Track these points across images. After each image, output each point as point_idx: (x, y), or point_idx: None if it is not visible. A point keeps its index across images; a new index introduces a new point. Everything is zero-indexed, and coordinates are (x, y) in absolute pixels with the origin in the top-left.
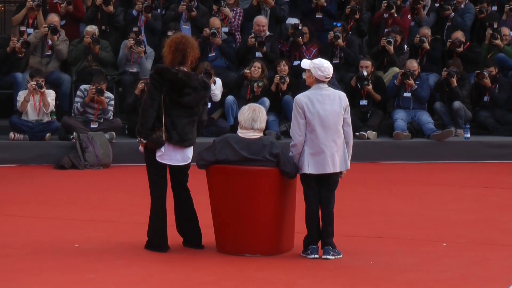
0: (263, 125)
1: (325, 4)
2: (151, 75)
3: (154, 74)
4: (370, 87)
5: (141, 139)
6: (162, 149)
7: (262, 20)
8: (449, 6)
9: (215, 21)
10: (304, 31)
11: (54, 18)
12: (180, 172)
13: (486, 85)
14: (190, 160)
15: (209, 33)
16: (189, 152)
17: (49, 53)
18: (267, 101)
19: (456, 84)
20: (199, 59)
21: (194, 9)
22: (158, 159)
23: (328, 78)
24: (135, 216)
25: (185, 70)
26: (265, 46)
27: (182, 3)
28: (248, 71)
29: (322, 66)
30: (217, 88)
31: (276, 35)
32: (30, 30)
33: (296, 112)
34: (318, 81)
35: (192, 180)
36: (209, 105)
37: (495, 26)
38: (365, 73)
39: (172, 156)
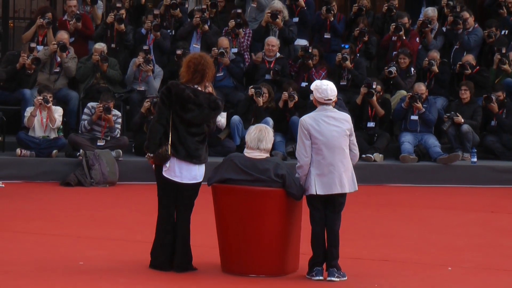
0: (269, 145)
1: (332, 18)
2: (161, 91)
3: (164, 90)
4: (374, 98)
5: (149, 154)
6: (167, 164)
7: (273, 40)
8: (460, 21)
9: (224, 41)
10: (314, 53)
11: (63, 35)
12: (186, 191)
13: (493, 110)
14: (199, 180)
15: (217, 53)
16: (198, 170)
17: (57, 70)
18: (270, 120)
19: (462, 121)
20: None
21: (208, 21)
22: (164, 174)
23: (328, 100)
24: (140, 234)
25: (197, 88)
26: (279, 76)
27: (196, 16)
28: (254, 95)
29: (321, 88)
30: (222, 115)
31: (286, 58)
32: (40, 48)
33: (301, 134)
34: (321, 102)
35: (198, 198)
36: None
37: (504, 51)
38: (374, 86)
39: (179, 172)
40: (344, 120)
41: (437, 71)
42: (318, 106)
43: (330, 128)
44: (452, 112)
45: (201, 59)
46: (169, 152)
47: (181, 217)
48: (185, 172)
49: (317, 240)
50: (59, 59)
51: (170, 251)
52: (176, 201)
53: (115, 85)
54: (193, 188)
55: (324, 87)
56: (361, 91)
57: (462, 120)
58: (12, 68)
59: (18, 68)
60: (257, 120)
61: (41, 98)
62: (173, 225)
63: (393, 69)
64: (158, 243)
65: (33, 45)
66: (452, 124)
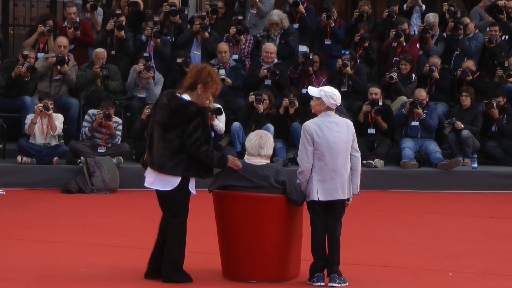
0: (270, 151)
1: (333, 25)
2: None
3: None
4: (379, 116)
5: None
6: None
7: (271, 47)
8: (461, 26)
9: (223, 45)
10: (314, 59)
11: (63, 40)
12: (160, 199)
13: (494, 115)
14: (160, 188)
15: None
16: (161, 178)
17: (58, 77)
18: (271, 127)
19: (462, 127)
20: None
21: (208, 28)
22: (144, 174)
23: (336, 105)
24: (141, 241)
25: (181, 96)
26: (277, 76)
27: (196, 24)
28: (254, 101)
29: (334, 95)
30: (220, 120)
31: (284, 63)
32: (40, 55)
33: (304, 139)
34: (328, 108)
35: (199, 205)
36: (212, 133)
37: (506, 63)
38: (380, 103)
39: (148, 177)
40: (346, 126)
41: (438, 77)
42: (322, 112)
43: (333, 134)
44: (453, 118)
45: (201, 68)
46: (144, 158)
47: (167, 228)
48: (150, 178)
49: (318, 246)
50: (59, 67)
51: (151, 259)
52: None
53: (115, 92)
54: (163, 196)
55: (337, 94)
56: (363, 109)
57: (462, 126)
58: (9, 77)
59: (13, 77)
60: (258, 127)
61: (42, 105)
62: (161, 236)
63: (394, 74)
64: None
65: (26, 52)
66: (453, 130)
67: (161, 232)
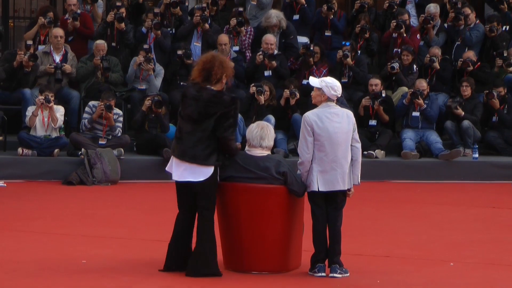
0: (271, 143)
1: (332, 16)
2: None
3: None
4: (381, 108)
5: None
6: (170, 161)
7: (271, 38)
8: (462, 17)
9: (223, 37)
10: (315, 50)
11: (58, 31)
12: (188, 192)
13: (495, 106)
14: (192, 179)
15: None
16: (193, 170)
17: (60, 77)
18: (272, 118)
19: (462, 114)
20: None
21: (208, 19)
22: (166, 168)
23: (337, 96)
24: (142, 233)
25: (208, 87)
26: (275, 59)
27: (196, 15)
28: (255, 93)
29: (335, 85)
30: None
31: (284, 54)
32: (42, 47)
33: (304, 130)
34: (328, 99)
35: None
36: None
37: (505, 54)
38: (383, 95)
39: (176, 170)
40: (347, 117)
41: (438, 67)
42: (322, 103)
43: (333, 125)
44: (457, 96)
45: (211, 57)
46: (171, 149)
47: (198, 220)
48: (179, 171)
49: (319, 237)
50: (57, 59)
51: (172, 253)
52: (188, 202)
53: (116, 84)
54: (196, 188)
55: (338, 85)
56: (362, 103)
57: (462, 113)
58: (10, 66)
59: (15, 65)
60: (259, 118)
61: (43, 97)
62: (184, 228)
63: (395, 65)
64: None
65: (29, 42)
66: (459, 103)
67: (179, 225)
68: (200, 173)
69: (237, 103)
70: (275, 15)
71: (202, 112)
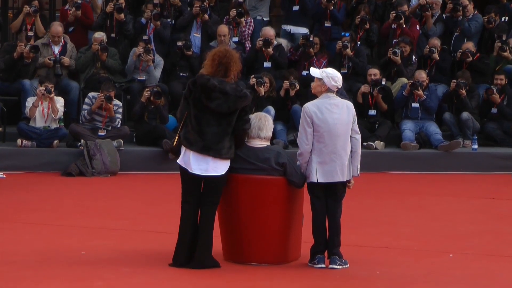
0: (270, 133)
1: (332, 7)
2: (188, 84)
3: (190, 83)
4: (380, 96)
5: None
6: (183, 154)
7: (269, 31)
8: (460, 8)
9: (223, 28)
10: (315, 41)
11: (57, 30)
12: (205, 186)
13: (496, 101)
14: (214, 173)
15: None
16: (216, 164)
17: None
18: (272, 109)
19: (465, 95)
20: None
21: (207, 10)
22: (178, 161)
23: (338, 87)
24: (142, 224)
25: (223, 80)
26: (271, 46)
27: (196, 6)
28: (255, 84)
29: (336, 76)
30: None
31: (282, 45)
32: (30, 34)
33: (304, 121)
34: (328, 90)
35: None
36: None
37: (504, 38)
38: (383, 83)
39: (195, 164)
40: (347, 108)
41: (438, 58)
42: (322, 94)
43: (333, 116)
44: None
45: (226, 52)
46: (174, 144)
47: (203, 213)
48: (203, 164)
49: (318, 228)
50: (56, 51)
51: (183, 248)
52: (200, 196)
53: (115, 74)
54: (213, 182)
55: (339, 75)
56: (361, 89)
57: (464, 93)
58: (10, 57)
59: (15, 57)
60: (258, 110)
61: (44, 88)
62: (194, 222)
63: (398, 50)
64: (178, 238)
65: (30, 33)
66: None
67: (191, 219)
68: (222, 167)
69: (250, 97)
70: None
71: (232, 107)
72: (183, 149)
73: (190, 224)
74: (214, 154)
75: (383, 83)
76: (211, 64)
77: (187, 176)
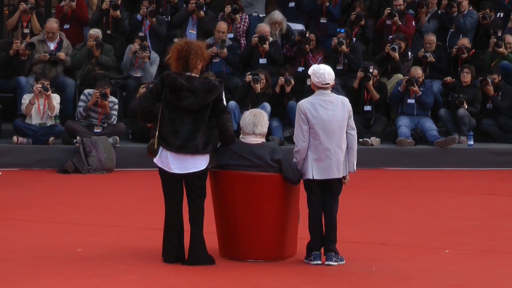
0: (265, 130)
1: (328, 4)
2: (156, 81)
3: (158, 81)
4: (370, 82)
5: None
6: (159, 154)
7: (265, 27)
8: (455, 4)
9: (222, 25)
10: (311, 38)
11: (52, 27)
12: (188, 183)
13: (489, 92)
14: (194, 170)
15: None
16: (194, 161)
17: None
18: (268, 106)
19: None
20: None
21: (203, 7)
22: (156, 161)
23: (326, 84)
24: (138, 221)
25: (191, 74)
26: (267, 43)
27: (191, 3)
28: (251, 81)
29: (318, 72)
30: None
31: (278, 41)
32: (26, 31)
33: (299, 118)
34: (319, 87)
35: None
36: None
37: (499, 34)
38: (371, 70)
39: (173, 164)
40: (342, 104)
41: (433, 60)
42: (316, 90)
43: (327, 113)
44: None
45: (185, 45)
46: (155, 146)
47: (191, 209)
48: (183, 163)
49: (314, 224)
50: (52, 47)
51: (172, 244)
52: (182, 194)
53: (110, 71)
54: (195, 177)
55: (322, 72)
56: (358, 75)
57: (466, 106)
58: (6, 54)
59: (11, 54)
60: (254, 106)
61: (40, 86)
62: (178, 218)
63: (396, 46)
64: (164, 235)
65: (26, 31)
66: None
67: (176, 218)
68: (201, 162)
69: (222, 86)
70: (279, 14)
71: (202, 103)
72: (160, 148)
73: (178, 222)
74: (192, 151)
75: (371, 70)
76: (173, 59)
77: (167, 176)
